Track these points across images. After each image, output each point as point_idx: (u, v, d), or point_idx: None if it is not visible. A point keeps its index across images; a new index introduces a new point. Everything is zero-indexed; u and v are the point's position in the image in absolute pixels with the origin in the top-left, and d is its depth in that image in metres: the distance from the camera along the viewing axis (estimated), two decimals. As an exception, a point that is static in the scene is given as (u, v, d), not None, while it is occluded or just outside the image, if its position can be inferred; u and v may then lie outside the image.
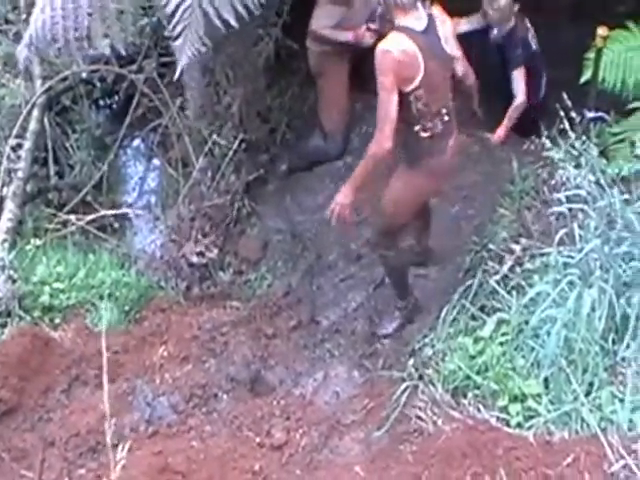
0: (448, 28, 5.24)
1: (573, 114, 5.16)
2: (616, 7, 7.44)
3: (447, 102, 5.26)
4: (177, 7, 5.43)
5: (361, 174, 5.25)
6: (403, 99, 5.01)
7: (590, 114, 5.99)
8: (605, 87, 6.10)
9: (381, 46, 4.95)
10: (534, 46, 6.79)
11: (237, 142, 6.99)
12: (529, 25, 6.79)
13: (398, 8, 4.97)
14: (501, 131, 6.57)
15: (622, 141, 6.00)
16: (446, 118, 5.25)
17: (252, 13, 5.58)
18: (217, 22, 5.49)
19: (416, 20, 5.00)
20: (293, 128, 7.37)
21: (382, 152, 5.03)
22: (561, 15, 7.77)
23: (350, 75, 7.06)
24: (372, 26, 6.61)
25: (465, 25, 6.69)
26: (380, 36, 5.78)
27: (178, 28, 5.42)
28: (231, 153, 6.96)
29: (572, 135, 5.05)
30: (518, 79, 6.59)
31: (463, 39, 5.57)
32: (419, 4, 5.03)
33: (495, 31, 6.73)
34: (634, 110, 6.09)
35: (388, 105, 4.94)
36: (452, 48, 5.27)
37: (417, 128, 5.18)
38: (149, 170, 7.87)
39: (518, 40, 6.70)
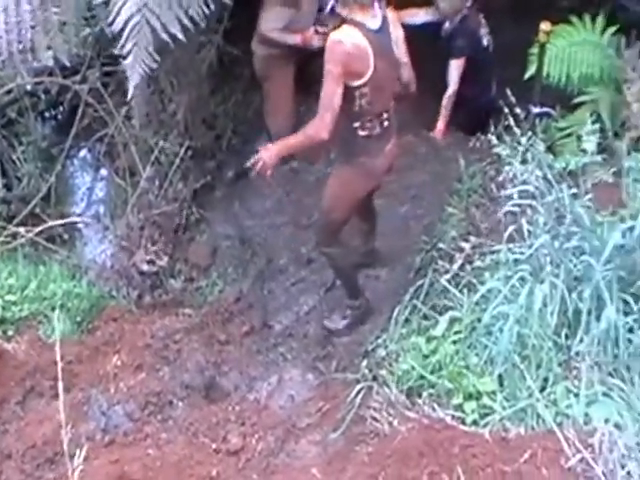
0: (400, 33, 5.30)
1: (518, 110, 5.20)
2: (560, 2, 7.53)
3: (389, 106, 5.30)
4: (125, 24, 5.43)
5: (292, 146, 5.30)
6: (348, 93, 5.01)
7: (536, 109, 6.04)
8: (550, 82, 6.17)
9: (334, 36, 4.96)
10: (485, 42, 6.83)
11: (183, 149, 6.94)
12: (483, 21, 6.82)
13: (357, 4, 4.97)
14: (440, 124, 6.61)
15: (569, 135, 6.07)
16: (386, 123, 5.28)
17: (197, 23, 5.61)
18: (164, 36, 5.51)
19: (371, 18, 5.02)
20: (239, 133, 7.36)
21: (318, 139, 5.03)
22: (505, 12, 7.81)
23: (295, 78, 7.05)
24: (320, 29, 6.62)
25: (421, 17, 6.74)
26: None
27: (127, 46, 5.43)
28: (178, 161, 6.94)
29: (518, 132, 5.10)
30: (453, 69, 6.70)
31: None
32: (376, 4, 5.05)
33: (447, 24, 6.76)
34: (579, 104, 6.17)
35: (333, 95, 4.94)
36: (401, 53, 5.31)
37: (356, 125, 5.20)
38: (97, 180, 7.79)
39: (466, 32, 6.82)
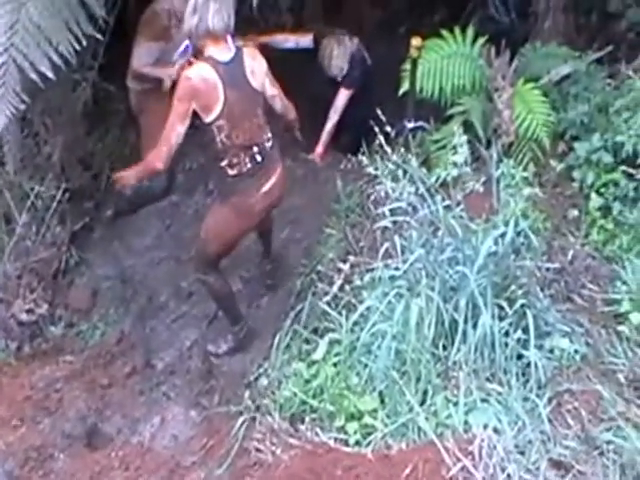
0: (259, 64, 5.22)
1: (389, 128, 5.25)
2: (430, 17, 7.59)
3: (258, 140, 5.20)
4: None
5: (137, 173, 5.44)
6: (207, 131, 5.04)
7: (410, 124, 6.05)
8: (424, 96, 6.20)
9: (184, 73, 4.99)
10: (369, 61, 6.81)
11: (60, 192, 6.73)
12: (359, 45, 6.80)
13: (210, 36, 4.96)
14: (320, 148, 6.57)
15: (443, 147, 6.09)
16: (258, 157, 5.19)
17: (68, 61, 5.50)
18: (33, 76, 5.35)
19: (223, 51, 4.99)
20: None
21: (153, 168, 5.22)
22: (377, 31, 7.85)
23: None
24: (194, 61, 6.52)
25: (291, 43, 6.70)
26: None
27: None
28: (55, 204, 6.70)
29: (388, 150, 5.12)
30: (343, 97, 6.65)
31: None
32: (228, 37, 5.01)
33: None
34: (452, 116, 6.18)
35: (172, 130, 5.03)
36: (262, 84, 5.23)
37: (224, 163, 5.15)
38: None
39: (357, 63, 6.84)
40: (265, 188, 5.30)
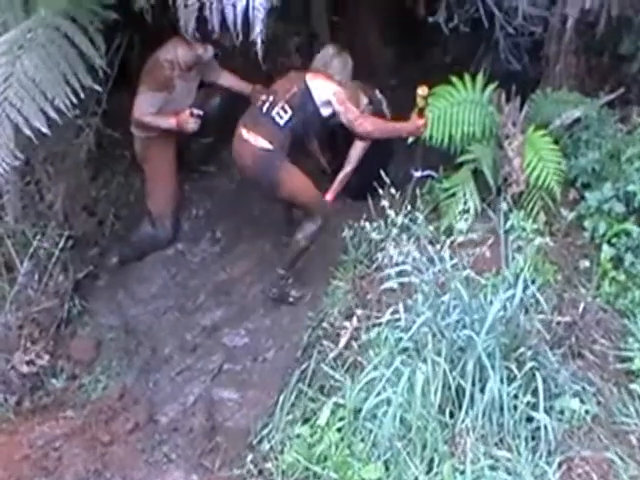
0: None
1: (393, 190, 5.19)
2: (442, 57, 7.49)
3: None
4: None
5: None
6: None
7: (417, 173, 5.95)
8: (433, 144, 6.09)
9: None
10: (388, 115, 6.67)
11: (63, 240, 6.63)
12: (380, 96, 6.69)
13: None
14: (330, 195, 6.46)
15: (453, 195, 6.00)
16: None
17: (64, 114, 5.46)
18: (27, 132, 5.30)
19: None
20: (121, 218, 7.06)
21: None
22: (390, 74, 7.75)
23: (177, 157, 6.88)
24: (195, 111, 6.56)
25: None
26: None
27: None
28: (57, 252, 6.60)
29: (392, 214, 4.98)
30: (359, 149, 6.55)
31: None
32: None
33: None
34: (462, 164, 6.09)
35: None
36: None
37: None
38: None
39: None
40: (244, 133, 5.94)
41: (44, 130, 5.36)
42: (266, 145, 5.84)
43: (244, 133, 5.92)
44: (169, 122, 6.60)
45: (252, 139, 5.88)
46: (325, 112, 5.97)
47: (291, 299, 6.21)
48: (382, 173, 5.73)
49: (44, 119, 5.38)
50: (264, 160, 5.86)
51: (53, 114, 5.41)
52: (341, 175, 6.60)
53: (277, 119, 5.87)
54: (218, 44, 6.35)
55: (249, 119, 6.00)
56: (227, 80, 6.93)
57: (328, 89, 5.93)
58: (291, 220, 6.44)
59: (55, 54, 5.48)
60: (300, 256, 6.18)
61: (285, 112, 5.88)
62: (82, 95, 5.63)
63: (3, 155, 5.28)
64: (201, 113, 6.58)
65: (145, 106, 6.58)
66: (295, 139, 5.97)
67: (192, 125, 6.57)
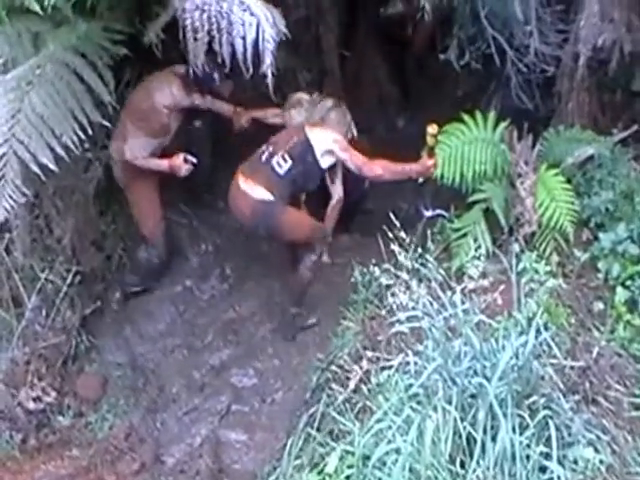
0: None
1: (403, 234, 5.03)
2: (453, 92, 7.45)
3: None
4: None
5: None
6: None
7: (428, 213, 5.89)
8: (444, 183, 6.03)
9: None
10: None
11: (71, 275, 6.59)
12: None
13: None
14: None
15: (464, 235, 5.94)
16: None
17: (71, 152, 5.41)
18: (35, 168, 5.25)
19: None
20: (130, 252, 7.00)
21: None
22: (399, 106, 7.73)
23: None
24: (189, 158, 6.43)
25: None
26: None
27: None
28: (65, 287, 6.56)
29: (403, 260, 4.88)
30: (338, 180, 6.51)
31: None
32: None
33: None
34: (474, 203, 6.02)
35: None
36: None
37: None
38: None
39: None
40: (242, 182, 5.91)
41: (51, 167, 5.31)
42: (266, 196, 5.79)
43: (241, 182, 5.86)
44: (162, 165, 6.46)
45: (250, 190, 5.83)
46: (325, 164, 5.98)
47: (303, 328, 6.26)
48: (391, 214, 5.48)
49: (51, 155, 5.33)
50: (263, 211, 5.84)
51: (60, 150, 5.36)
52: (330, 209, 6.53)
53: (277, 168, 5.83)
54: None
55: (247, 167, 5.95)
56: (206, 102, 6.69)
57: (328, 138, 5.95)
58: (296, 259, 6.31)
59: (63, 90, 5.45)
60: (307, 289, 6.17)
61: (285, 161, 5.84)
62: (90, 131, 5.59)
63: (10, 191, 5.21)
64: (194, 160, 6.46)
65: (138, 150, 6.40)
66: (294, 190, 5.97)
67: (185, 171, 6.45)
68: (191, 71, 5.99)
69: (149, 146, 6.42)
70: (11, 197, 5.22)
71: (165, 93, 6.35)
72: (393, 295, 4.77)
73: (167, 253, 6.87)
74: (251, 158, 5.99)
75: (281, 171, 5.82)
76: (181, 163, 6.41)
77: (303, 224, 6.04)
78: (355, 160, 5.87)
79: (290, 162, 5.83)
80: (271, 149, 5.89)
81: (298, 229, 5.99)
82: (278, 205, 5.84)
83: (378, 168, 5.86)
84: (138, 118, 6.34)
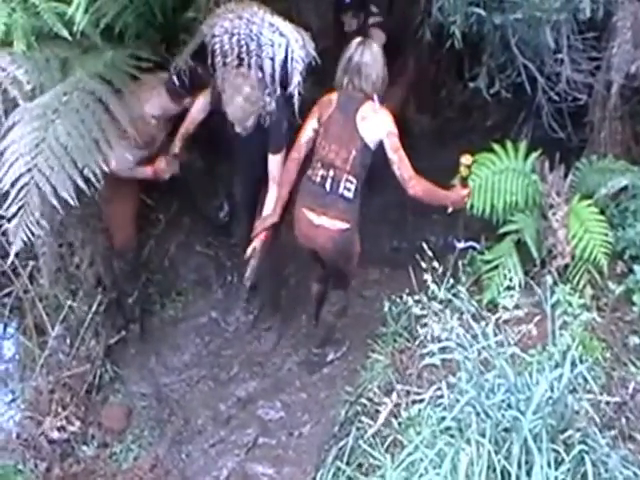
0: (377, 119, 5.56)
1: (436, 264, 5.03)
2: (483, 122, 7.37)
3: (336, 167, 5.54)
4: (12, 185, 5.03)
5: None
6: None
7: (460, 244, 5.80)
8: (474, 213, 5.95)
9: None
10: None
11: (95, 304, 6.53)
12: None
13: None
14: None
15: (495, 268, 5.85)
16: (327, 183, 5.56)
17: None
18: (54, 202, 5.13)
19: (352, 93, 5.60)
20: (155, 283, 6.93)
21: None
22: (427, 137, 7.65)
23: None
24: (169, 156, 6.28)
25: None
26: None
27: (13, 208, 5.03)
28: (89, 316, 6.50)
29: (435, 288, 4.85)
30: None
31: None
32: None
33: None
34: (505, 234, 5.94)
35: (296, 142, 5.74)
36: (373, 139, 5.53)
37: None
38: (4, 339, 7.28)
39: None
40: (314, 218, 5.58)
41: (71, 202, 5.16)
42: (345, 226, 5.55)
43: (314, 218, 5.57)
44: (145, 172, 6.29)
45: (328, 223, 5.54)
46: (373, 146, 5.55)
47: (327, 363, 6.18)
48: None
49: (73, 187, 5.20)
50: (345, 240, 5.60)
51: (82, 184, 5.25)
52: None
53: (346, 194, 5.52)
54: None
55: (311, 201, 5.62)
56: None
57: (382, 128, 5.51)
58: (322, 298, 6.19)
59: (89, 120, 5.33)
60: (332, 334, 6.11)
61: (351, 183, 5.51)
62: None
63: (29, 223, 5.10)
64: (176, 152, 6.28)
65: (124, 162, 6.12)
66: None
67: (168, 174, 6.31)
68: (174, 77, 5.89)
69: (135, 157, 6.21)
70: (30, 228, 5.12)
71: (154, 102, 6.14)
72: (425, 326, 4.68)
73: (136, 265, 6.79)
74: (308, 187, 5.64)
75: (350, 195, 5.52)
76: (164, 166, 6.26)
77: (356, 256, 5.82)
78: (404, 168, 5.45)
79: (355, 181, 5.52)
80: (332, 174, 5.53)
81: (355, 258, 5.82)
82: (354, 230, 5.63)
83: (420, 189, 5.47)
84: (128, 129, 5.98)
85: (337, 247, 5.60)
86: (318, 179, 5.57)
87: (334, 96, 5.60)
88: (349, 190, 5.51)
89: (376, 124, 5.49)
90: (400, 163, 5.44)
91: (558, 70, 6.09)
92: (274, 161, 5.87)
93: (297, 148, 5.67)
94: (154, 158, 6.31)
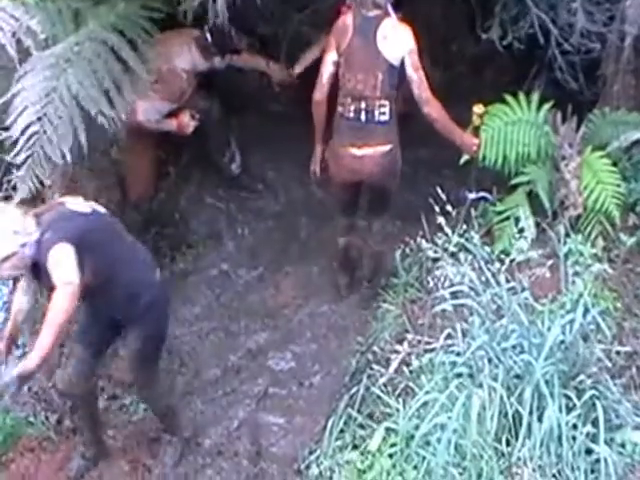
0: (398, 37, 5.43)
1: (449, 207, 5.01)
2: (494, 77, 7.31)
3: (368, 97, 5.46)
4: (22, 133, 5.02)
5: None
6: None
7: (472, 195, 5.78)
8: (486, 164, 5.92)
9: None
10: None
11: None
12: None
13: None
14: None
15: (507, 219, 5.85)
16: (362, 115, 5.49)
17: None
18: (65, 150, 5.10)
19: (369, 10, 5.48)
20: (165, 237, 6.89)
21: (314, 101, 5.60)
22: (440, 94, 7.59)
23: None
24: (196, 115, 6.45)
25: None
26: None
27: (21, 156, 5.02)
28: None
29: (449, 231, 4.84)
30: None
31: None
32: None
33: None
34: (517, 186, 5.92)
35: (322, 64, 5.58)
36: (395, 56, 5.43)
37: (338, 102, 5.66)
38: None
39: None
40: (356, 151, 5.51)
41: (68, 158, 5.12)
42: (387, 147, 5.52)
43: (356, 152, 5.51)
44: (170, 125, 6.44)
45: (371, 152, 5.50)
46: (397, 64, 5.44)
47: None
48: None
49: (84, 137, 5.21)
50: (391, 159, 5.58)
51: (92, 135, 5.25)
52: None
53: (382, 119, 5.46)
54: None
55: (350, 136, 5.55)
56: (235, 61, 6.64)
57: (403, 45, 5.39)
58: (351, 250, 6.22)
59: (101, 69, 5.32)
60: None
61: (385, 107, 5.44)
62: (123, 115, 5.50)
63: (37, 171, 5.09)
64: (199, 116, 6.49)
65: (152, 113, 6.29)
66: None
67: (191, 128, 6.47)
68: (208, 35, 5.97)
69: (163, 110, 6.36)
70: (36, 177, 5.11)
71: (185, 57, 6.31)
72: (438, 269, 4.67)
73: (144, 221, 6.78)
74: (343, 124, 5.57)
75: (386, 117, 5.45)
76: (189, 121, 6.42)
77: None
78: (423, 88, 5.41)
79: (388, 103, 5.44)
80: (364, 105, 5.44)
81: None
82: (397, 147, 5.59)
83: (436, 112, 5.45)
84: (159, 81, 6.16)
85: (384, 169, 5.58)
86: (352, 114, 5.50)
87: (349, 19, 5.45)
88: (384, 114, 5.45)
89: (397, 41, 5.39)
90: (420, 82, 5.40)
91: (572, 21, 6.02)
92: None
93: (320, 88, 5.58)
94: (177, 112, 6.41)
